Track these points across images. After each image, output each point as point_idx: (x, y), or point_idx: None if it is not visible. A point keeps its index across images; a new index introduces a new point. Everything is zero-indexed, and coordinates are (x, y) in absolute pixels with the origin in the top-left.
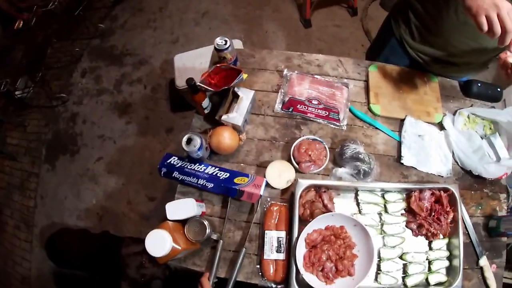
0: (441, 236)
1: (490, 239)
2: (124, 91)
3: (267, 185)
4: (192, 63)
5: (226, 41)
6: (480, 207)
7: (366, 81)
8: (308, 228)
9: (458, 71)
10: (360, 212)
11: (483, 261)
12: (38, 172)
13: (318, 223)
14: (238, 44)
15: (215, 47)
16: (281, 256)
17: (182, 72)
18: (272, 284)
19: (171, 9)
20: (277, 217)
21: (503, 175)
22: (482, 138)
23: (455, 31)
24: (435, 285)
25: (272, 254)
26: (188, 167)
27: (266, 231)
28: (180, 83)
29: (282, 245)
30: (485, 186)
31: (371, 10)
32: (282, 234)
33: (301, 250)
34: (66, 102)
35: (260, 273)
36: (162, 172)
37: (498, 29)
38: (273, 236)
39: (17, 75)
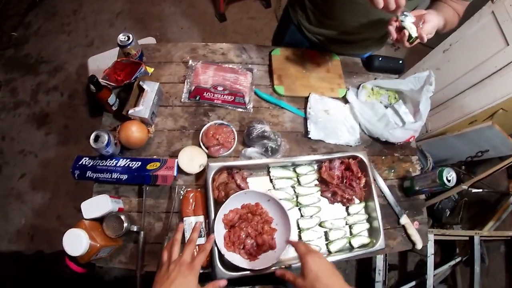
0: (357, 201)
1: (408, 199)
2: (41, 101)
3: (182, 172)
4: (107, 64)
5: (128, 37)
6: (393, 170)
7: (270, 65)
8: (224, 209)
9: (356, 49)
10: (274, 188)
11: (404, 220)
12: None
13: (233, 203)
14: (150, 41)
15: (118, 44)
16: (202, 240)
17: (97, 74)
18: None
19: (85, 11)
20: (194, 203)
21: (410, 137)
22: (387, 107)
23: (347, 11)
24: (359, 247)
25: None
26: (100, 164)
27: (184, 218)
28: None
29: (202, 229)
30: (395, 150)
31: (284, 1)
32: (201, 218)
33: (220, 231)
34: None
35: None
36: (76, 175)
37: (392, 4)
38: (192, 222)
39: None
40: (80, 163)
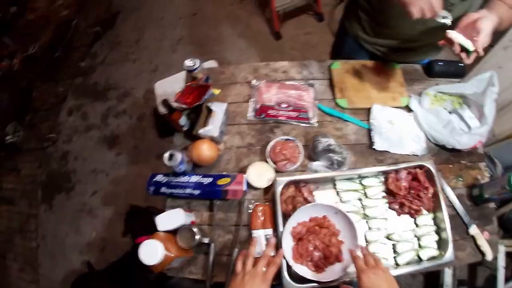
0: (425, 212)
1: (477, 208)
2: (111, 124)
3: (251, 187)
4: (172, 88)
5: (194, 62)
6: (461, 179)
7: (330, 79)
8: (292, 221)
9: (416, 55)
10: (341, 200)
11: (473, 230)
12: (36, 213)
13: (300, 216)
14: (213, 64)
15: (185, 69)
16: (271, 252)
17: (164, 98)
18: None
19: (147, 40)
20: (263, 216)
21: (477, 143)
22: (451, 113)
23: (401, 19)
24: (428, 260)
25: (262, 251)
26: (174, 180)
27: (253, 231)
28: (162, 109)
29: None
30: (462, 158)
31: (336, 14)
32: (269, 231)
33: (288, 243)
34: (56, 142)
35: None
36: (151, 191)
37: (428, 12)
38: (261, 235)
39: (5, 121)
40: (155, 179)
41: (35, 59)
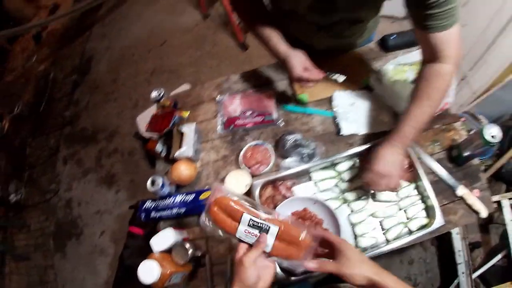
0: (406, 183)
1: (460, 168)
2: (105, 165)
3: None
4: None
5: (159, 91)
6: (437, 143)
7: (289, 78)
8: None
9: (356, 41)
10: (319, 190)
11: (460, 191)
12: (52, 264)
13: (282, 212)
14: (186, 87)
15: (153, 100)
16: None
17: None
18: None
19: (123, 78)
20: None
21: (444, 105)
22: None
23: (312, 33)
24: (418, 229)
25: None
26: (161, 204)
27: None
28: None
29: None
30: (435, 122)
31: None
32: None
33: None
34: (58, 192)
35: None
36: (143, 218)
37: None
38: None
39: (6, 181)
40: (144, 207)
41: (23, 117)
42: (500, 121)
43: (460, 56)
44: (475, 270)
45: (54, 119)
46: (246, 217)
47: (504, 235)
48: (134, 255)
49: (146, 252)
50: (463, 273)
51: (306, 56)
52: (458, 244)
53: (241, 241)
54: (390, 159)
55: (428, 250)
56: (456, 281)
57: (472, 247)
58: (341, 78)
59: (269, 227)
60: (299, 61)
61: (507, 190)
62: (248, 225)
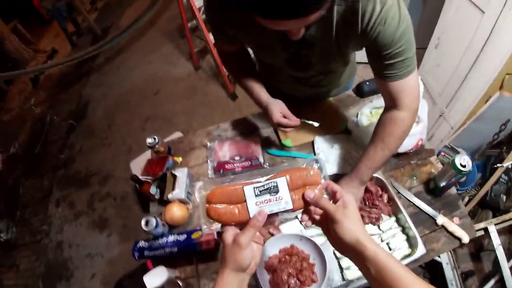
0: (386, 217)
1: (439, 199)
2: (97, 208)
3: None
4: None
5: (155, 138)
6: (415, 178)
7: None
8: (263, 256)
9: (333, 90)
10: (304, 227)
11: (440, 219)
12: None
13: (270, 249)
14: (178, 134)
15: (148, 146)
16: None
17: (140, 173)
18: None
19: (118, 124)
20: None
21: (418, 141)
22: None
23: (291, 85)
24: (402, 259)
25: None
26: (154, 243)
27: None
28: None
29: None
30: (411, 158)
31: None
32: None
33: (264, 276)
34: (49, 233)
35: None
36: (136, 256)
37: None
38: None
39: None
40: (138, 246)
41: (17, 157)
42: (480, 152)
43: (416, 104)
44: None
45: (48, 161)
46: (248, 189)
47: (496, 261)
48: None
49: None
50: None
51: (283, 105)
52: (449, 274)
53: None
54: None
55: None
56: None
57: (465, 276)
58: (315, 123)
59: (276, 183)
60: (278, 108)
61: (494, 217)
62: (256, 194)
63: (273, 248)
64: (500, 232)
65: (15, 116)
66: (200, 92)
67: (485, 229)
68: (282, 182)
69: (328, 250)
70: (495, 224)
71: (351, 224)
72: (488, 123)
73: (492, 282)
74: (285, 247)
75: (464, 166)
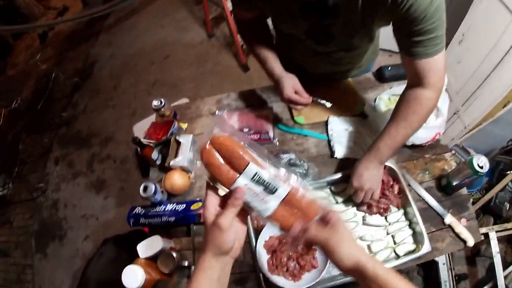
0: (395, 209)
1: (449, 197)
2: (96, 170)
3: None
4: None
5: (161, 101)
6: (427, 172)
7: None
8: (264, 235)
9: (353, 71)
10: None
11: (448, 219)
12: (31, 263)
13: (271, 229)
14: (185, 101)
15: (153, 108)
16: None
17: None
18: None
19: (124, 86)
20: None
21: (435, 135)
22: None
23: (315, 62)
24: (406, 255)
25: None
26: (151, 211)
27: None
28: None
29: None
30: (426, 152)
31: None
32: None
33: (263, 256)
34: (45, 191)
35: None
36: (131, 222)
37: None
38: None
39: None
40: (134, 212)
41: (19, 113)
42: (490, 156)
43: (442, 84)
44: None
45: (50, 119)
46: (252, 168)
47: (491, 268)
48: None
49: (120, 265)
50: None
51: (297, 80)
52: (445, 274)
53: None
54: (365, 174)
55: (414, 279)
56: None
57: (458, 278)
58: (328, 104)
59: (276, 189)
60: (290, 83)
61: (495, 223)
62: (252, 179)
63: (274, 228)
64: (498, 239)
65: (20, 71)
66: (211, 61)
67: (485, 235)
68: (281, 191)
69: None
70: (496, 231)
71: (346, 248)
72: (504, 128)
73: None
74: None
75: (481, 168)
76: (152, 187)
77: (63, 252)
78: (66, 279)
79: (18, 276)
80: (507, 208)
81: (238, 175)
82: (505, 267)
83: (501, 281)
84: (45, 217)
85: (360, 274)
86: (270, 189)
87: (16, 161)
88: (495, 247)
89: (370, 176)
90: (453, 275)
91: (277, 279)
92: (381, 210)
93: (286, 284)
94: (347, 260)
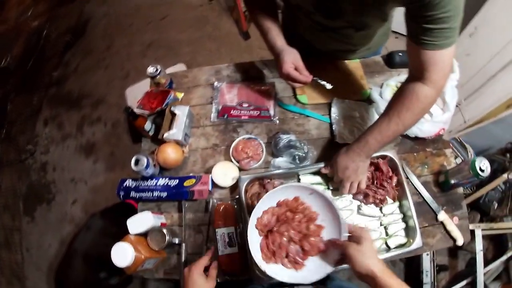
0: (391, 201)
1: (445, 194)
2: (86, 132)
3: (217, 186)
4: (142, 94)
5: (157, 68)
6: (426, 166)
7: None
8: (256, 212)
9: (363, 52)
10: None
11: (441, 216)
12: (19, 226)
13: (267, 202)
14: (181, 67)
15: (148, 75)
16: (235, 249)
17: (135, 103)
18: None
19: (117, 46)
20: (224, 214)
21: (440, 130)
22: None
23: (324, 39)
24: (396, 247)
25: (225, 249)
26: (142, 184)
27: (216, 229)
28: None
29: (233, 239)
30: (427, 145)
31: None
32: (232, 229)
33: (255, 240)
34: (34, 153)
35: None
36: (121, 196)
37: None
38: (224, 233)
39: None
40: (124, 185)
41: (8, 72)
42: (486, 153)
43: (444, 83)
44: None
45: (40, 78)
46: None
47: (471, 262)
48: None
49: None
50: None
51: (298, 56)
52: (427, 264)
53: None
54: (352, 166)
55: (396, 265)
56: None
57: (439, 269)
58: (328, 85)
59: None
60: (291, 58)
61: (481, 220)
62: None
63: (270, 201)
64: (482, 236)
65: (10, 28)
66: (211, 25)
67: (471, 231)
68: None
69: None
70: (483, 229)
71: (365, 258)
72: (505, 129)
73: (464, 282)
74: (286, 200)
75: (482, 171)
76: (144, 161)
77: (51, 215)
78: (53, 243)
79: (6, 238)
80: (495, 207)
81: None
82: (485, 264)
83: (480, 278)
84: (34, 180)
85: (373, 281)
86: None
87: (4, 121)
88: (479, 244)
89: (356, 168)
90: (434, 265)
91: (274, 268)
92: (377, 201)
93: (285, 276)
94: (363, 270)
